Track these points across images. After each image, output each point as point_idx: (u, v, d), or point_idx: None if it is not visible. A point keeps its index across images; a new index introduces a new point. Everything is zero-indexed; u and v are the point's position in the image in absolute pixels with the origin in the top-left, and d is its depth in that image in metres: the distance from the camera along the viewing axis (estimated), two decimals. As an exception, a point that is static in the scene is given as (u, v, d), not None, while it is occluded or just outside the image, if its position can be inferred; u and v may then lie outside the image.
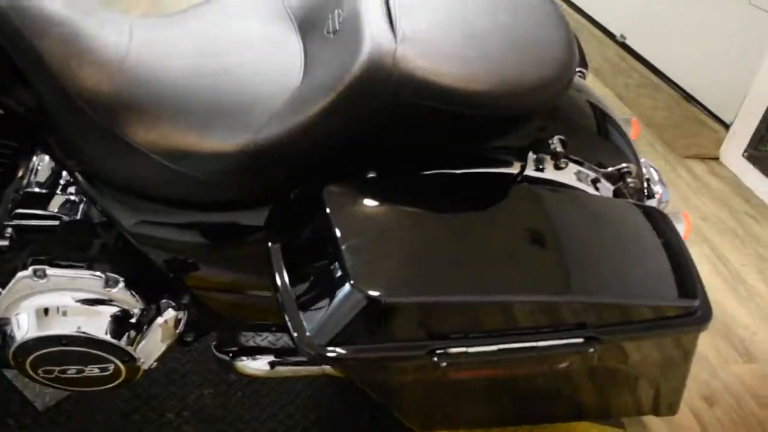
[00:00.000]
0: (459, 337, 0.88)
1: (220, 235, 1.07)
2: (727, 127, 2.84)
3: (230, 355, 1.30)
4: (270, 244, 0.97)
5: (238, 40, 1.09)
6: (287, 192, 1.02)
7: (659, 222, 1.08)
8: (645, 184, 1.32)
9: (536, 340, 0.91)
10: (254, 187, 0.99)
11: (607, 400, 1.20)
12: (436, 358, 0.88)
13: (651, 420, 1.70)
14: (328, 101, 0.92)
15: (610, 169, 1.13)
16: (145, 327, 1.17)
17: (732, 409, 1.75)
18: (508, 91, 0.90)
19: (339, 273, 0.84)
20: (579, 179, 1.12)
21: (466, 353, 0.88)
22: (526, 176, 1.07)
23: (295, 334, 0.88)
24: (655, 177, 1.37)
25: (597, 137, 1.19)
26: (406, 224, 0.92)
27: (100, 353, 1.17)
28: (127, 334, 1.17)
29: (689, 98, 3.22)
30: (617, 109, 3.04)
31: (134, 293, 1.16)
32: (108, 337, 1.15)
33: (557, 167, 1.05)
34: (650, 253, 1.02)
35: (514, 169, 1.07)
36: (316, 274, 0.90)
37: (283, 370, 1.30)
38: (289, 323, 0.89)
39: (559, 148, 1.05)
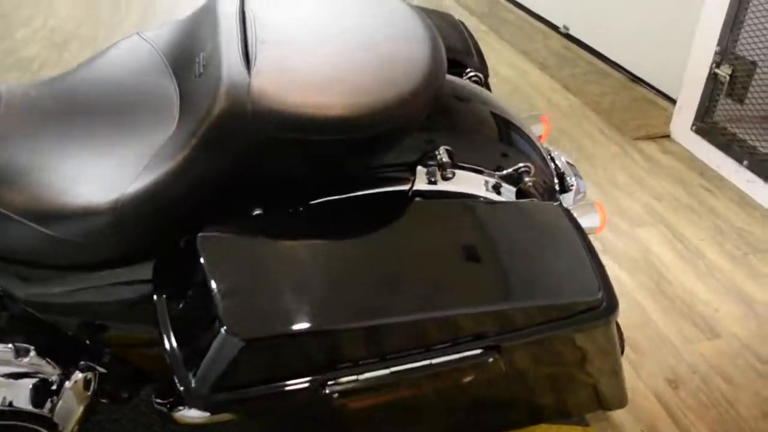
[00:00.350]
0: (349, 365, 0.87)
1: (118, 292, 1.06)
2: (675, 103, 2.84)
3: (167, 405, 1.28)
4: (155, 296, 0.95)
5: (112, 97, 1.08)
6: (176, 240, 1.00)
7: (558, 218, 1.06)
8: (556, 179, 1.31)
9: (431, 358, 0.89)
10: (138, 242, 0.98)
11: (549, 401, 1.18)
12: (327, 390, 0.86)
13: (615, 412, 1.68)
14: (191, 147, 0.91)
15: (505, 171, 1.12)
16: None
17: (698, 389, 1.72)
18: (365, 113, 0.89)
19: (214, 319, 0.83)
20: (477, 186, 1.11)
21: (357, 380, 0.87)
22: (419, 191, 1.06)
23: (182, 388, 0.86)
24: (570, 170, 1.36)
25: (493, 142, 1.17)
26: (285, 259, 0.91)
27: (24, 424, 1.15)
28: (49, 401, 1.15)
29: (636, 80, 3.22)
30: (564, 101, 3.06)
31: (49, 360, 1.15)
32: (29, 407, 1.13)
33: (444, 178, 1.04)
34: (547, 252, 1.00)
35: (406, 186, 1.06)
36: (196, 323, 0.88)
37: (223, 414, 1.27)
38: (175, 377, 0.87)
39: (446, 159, 1.04)
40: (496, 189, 1.13)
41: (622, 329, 1.88)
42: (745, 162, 2.44)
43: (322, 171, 0.98)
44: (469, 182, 1.10)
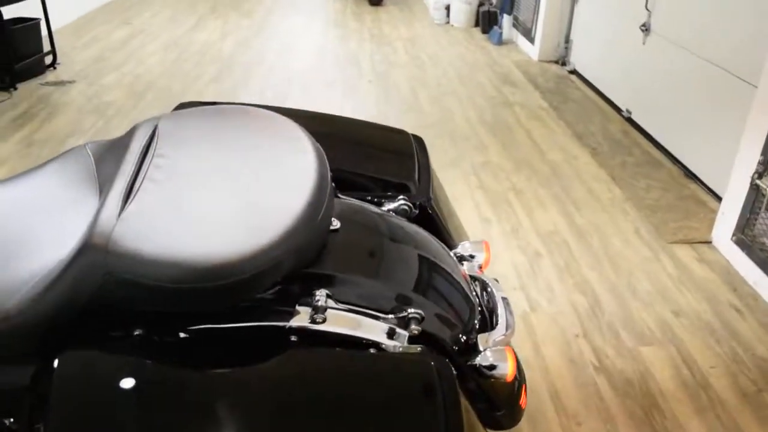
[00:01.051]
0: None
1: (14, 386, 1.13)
2: (723, 207, 2.67)
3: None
4: (27, 399, 1.01)
5: (32, 210, 1.16)
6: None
7: (424, 374, 1.03)
8: (481, 315, 1.28)
9: None
10: (23, 347, 1.04)
11: None
12: None
13: None
14: (59, 273, 0.97)
15: (390, 316, 1.10)
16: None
17: None
18: (214, 263, 0.92)
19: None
20: (363, 329, 1.10)
21: None
22: (298, 329, 1.06)
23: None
24: (502, 306, 1.32)
25: (392, 284, 1.16)
26: (131, 384, 0.94)
27: None
28: None
29: (690, 175, 3.05)
30: (606, 192, 2.95)
31: None
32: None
33: (314, 321, 1.04)
34: (387, 412, 0.97)
35: (285, 323, 1.07)
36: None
37: None
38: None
39: (322, 302, 1.05)
40: (390, 333, 1.12)
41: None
42: (782, 284, 2.24)
43: (180, 308, 1.01)
44: (353, 325, 1.09)
